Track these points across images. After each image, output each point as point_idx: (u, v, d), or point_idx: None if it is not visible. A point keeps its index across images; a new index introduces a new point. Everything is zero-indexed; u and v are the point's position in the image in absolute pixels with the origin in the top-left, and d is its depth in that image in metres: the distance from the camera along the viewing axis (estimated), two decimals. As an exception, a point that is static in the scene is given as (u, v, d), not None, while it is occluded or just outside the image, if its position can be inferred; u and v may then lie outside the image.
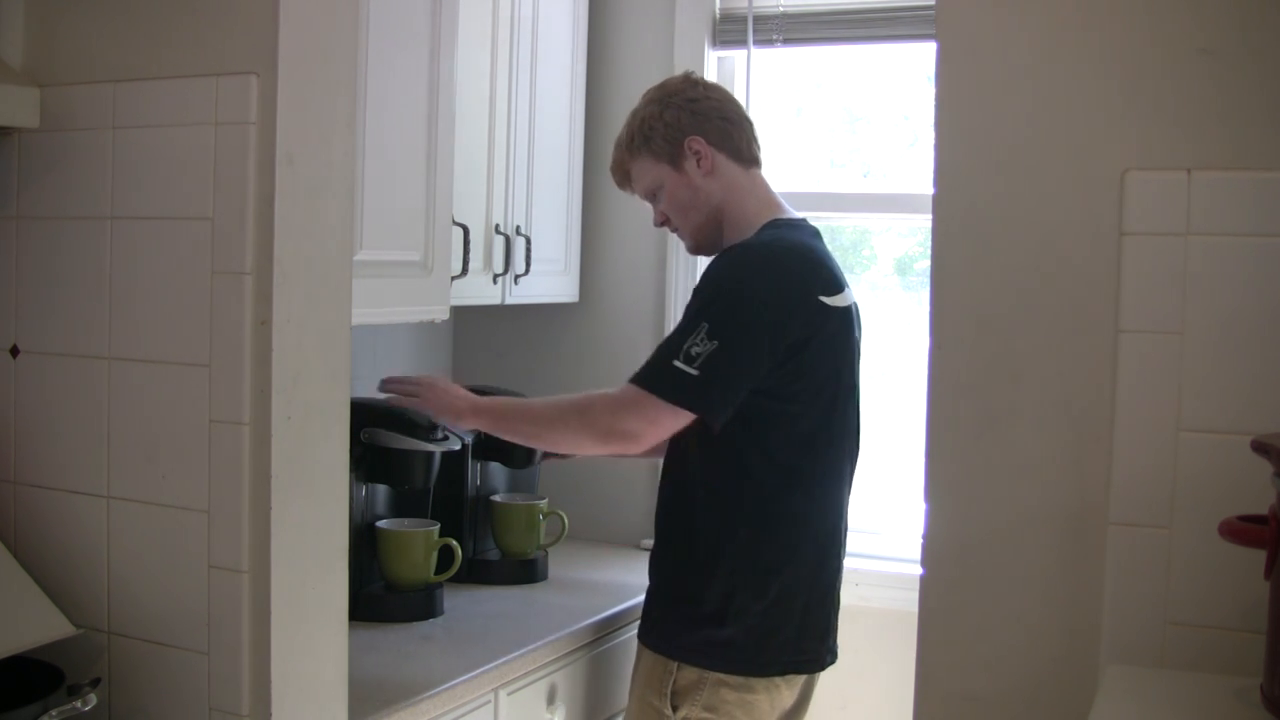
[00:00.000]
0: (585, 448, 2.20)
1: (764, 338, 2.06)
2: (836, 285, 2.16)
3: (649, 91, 2.31)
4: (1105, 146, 1.63)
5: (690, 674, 2.11)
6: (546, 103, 2.80)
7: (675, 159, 2.23)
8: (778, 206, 2.26)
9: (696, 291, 2.12)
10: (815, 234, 2.26)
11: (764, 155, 2.31)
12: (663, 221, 2.31)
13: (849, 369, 2.20)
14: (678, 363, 2.03)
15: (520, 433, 2.25)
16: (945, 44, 1.73)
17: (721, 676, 2.10)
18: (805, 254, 2.15)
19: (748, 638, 2.10)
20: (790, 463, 2.12)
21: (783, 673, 2.14)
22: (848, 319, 2.18)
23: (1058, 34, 1.66)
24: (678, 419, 2.07)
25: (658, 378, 2.06)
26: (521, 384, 2.91)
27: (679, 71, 2.41)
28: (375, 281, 2.11)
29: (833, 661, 2.25)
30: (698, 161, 2.22)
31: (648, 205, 2.34)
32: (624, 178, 2.33)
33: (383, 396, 2.31)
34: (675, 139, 2.22)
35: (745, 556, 2.11)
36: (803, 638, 2.16)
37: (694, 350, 2.03)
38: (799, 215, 2.28)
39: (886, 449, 2.91)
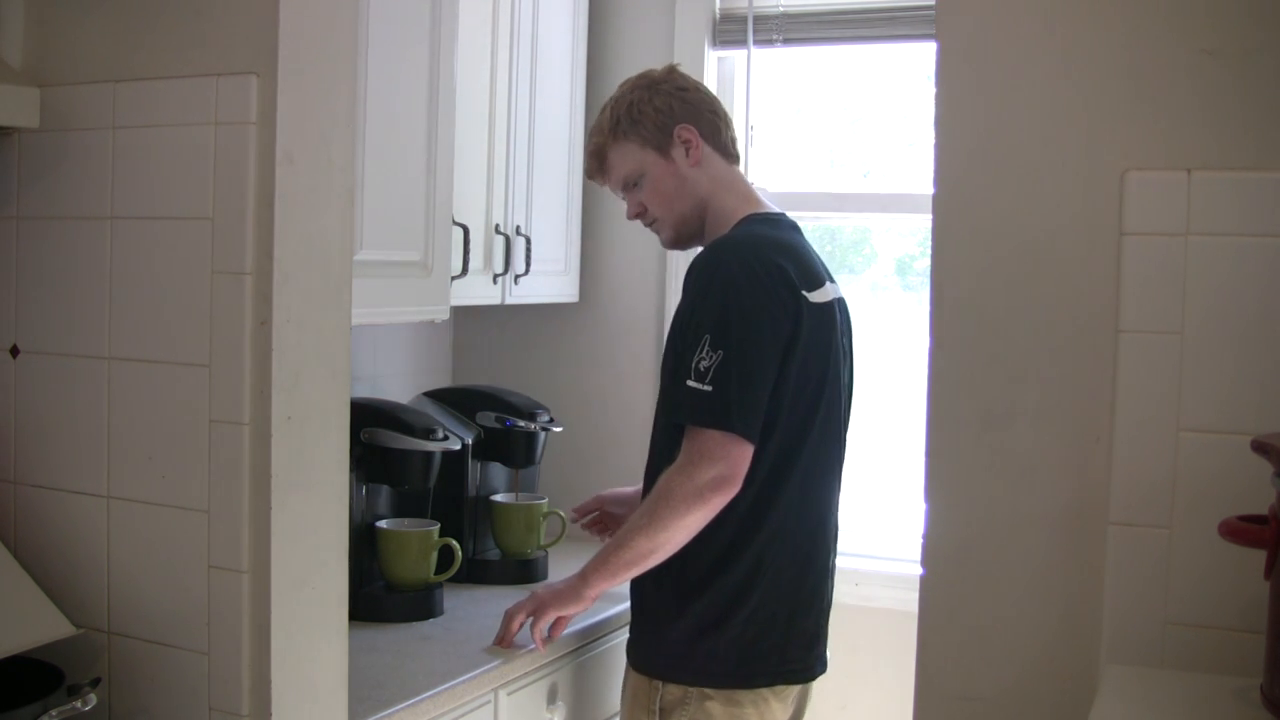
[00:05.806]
0: (695, 521, 1.99)
1: (767, 338, 1.99)
2: (817, 279, 2.11)
3: (631, 80, 2.26)
4: (1105, 146, 1.63)
5: (675, 690, 2.06)
6: (546, 103, 2.80)
7: (663, 146, 2.18)
8: (757, 202, 2.21)
9: (689, 302, 2.04)
10: (794, 228, 2.21)
11: (745, 155, 2.26)
12: (638, 213, 2.25)
13: (833, 368, 2.11)
14: (690, 382, 1.97)
15: (634, 563, 2.05)
16: (945, 44, 1.73)
17: (706, 691, 2.04)
18: (784, 248, 2.08)
19: (728, 650, 2.05)
20: (766, 472, 2.03)
21: (769, 684, 2.07)
22: (829, 315, 2.12)
23: (1057, 34, 1.66)
24: (714, 438, 1.95)
25: (678, 405, 1.99)
26: (522, 384, 2.91)
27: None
28: (375, 281, 2.11)
29: (823, 671, 2.18)
30: (686, 151, 2.18)
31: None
32: (599, 165, 2.27)
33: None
34: (666, 125, 2.18)
35: (721, 569, 2.04)
36: (789, 646, 2.09)
37: (702, 365, 1.96)
38: (777, 210, 2.23)
39: (887, 448, 2.91)
